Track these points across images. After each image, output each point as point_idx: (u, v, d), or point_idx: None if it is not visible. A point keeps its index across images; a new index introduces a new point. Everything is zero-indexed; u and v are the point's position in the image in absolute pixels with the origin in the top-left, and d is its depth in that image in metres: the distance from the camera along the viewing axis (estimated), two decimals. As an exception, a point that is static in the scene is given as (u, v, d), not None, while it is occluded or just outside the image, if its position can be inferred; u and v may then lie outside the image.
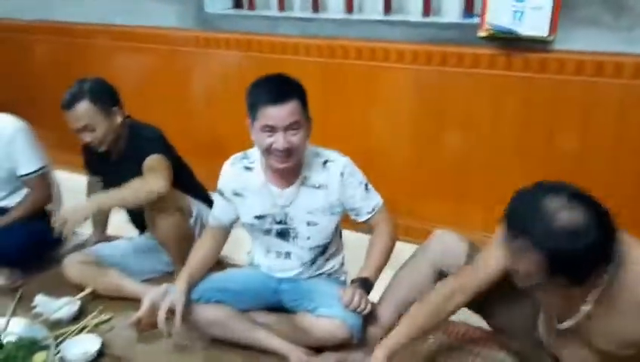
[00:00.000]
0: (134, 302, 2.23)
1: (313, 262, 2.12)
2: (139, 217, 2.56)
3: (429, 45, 2.54)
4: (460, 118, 2.59)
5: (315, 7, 2.87)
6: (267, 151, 1.90)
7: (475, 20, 2.43)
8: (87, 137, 2.35)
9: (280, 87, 1.88)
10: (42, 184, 2.65)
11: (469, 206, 2.68)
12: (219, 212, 2.15)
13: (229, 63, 3.04)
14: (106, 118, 2.34)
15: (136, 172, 2.32)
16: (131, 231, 2.79)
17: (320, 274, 2.16)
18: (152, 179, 2.26)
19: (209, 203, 2.59)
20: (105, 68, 3.45)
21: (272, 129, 1.86)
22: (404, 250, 2.10)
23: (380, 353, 1.71)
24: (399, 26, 2.61)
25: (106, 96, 2.36)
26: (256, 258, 2.21)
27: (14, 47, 3.75)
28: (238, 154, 2.10)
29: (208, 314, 2.07)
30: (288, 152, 1.88)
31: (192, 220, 2.46)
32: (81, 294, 2.39)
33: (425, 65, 2.56)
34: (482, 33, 2.36)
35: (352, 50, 2.69)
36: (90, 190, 2.72)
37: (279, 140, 1.86)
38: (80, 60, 3.55)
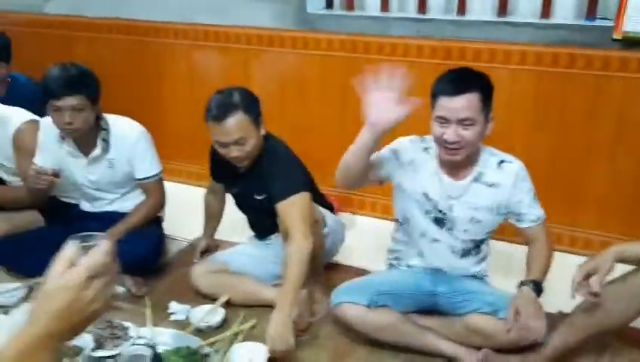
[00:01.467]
0: (271, 308, 2.20)
1: (463, 254, 2.13)
2: (261, 223, 2.52)
3: (551, 47, 2.57)
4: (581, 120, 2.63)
5: (461, 9, 2.83)
6: (438, 141, 1.93)
7: (605, 23, 2.48)
8: (235, 152, 2.20)
9: (459, 80, 1.89)
10: (159, 189, 2.60)
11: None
12: (380, 156, 2.06)
13: (329, 64, 3.00)
14: (256, 130, 2.23)
15: (265, 187, 2.27)
16: (236, 235, 2.76)
17: (472, 275, 2.17)
18: (302, 234, 2.11)
19: (331, 209, 2.58)
20: (186, 69, 3.39)
21: (444, 120, 1.89)
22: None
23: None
24: (519, 27, 2.63)
25: (256, 106, 2.24)
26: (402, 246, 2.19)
27: (83, 45, 3.63)
28: (416, 137, 2.10)
29: (379, 319, 2.04)
30: (458, 145, 1.89)
31: (325, 230, 2.42)
32: (220, 301, 2.34)
33: (549, 67, 2.58)
34: (617, 36, 2.40)
35: (470, 51, 2.69)
36: (211, 196, 2.70)
37: (449, 133, 1.88)
38: (154, 61, 3.47)
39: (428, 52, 2.77)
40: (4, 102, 2.74)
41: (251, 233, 2.65)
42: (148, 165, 2.54)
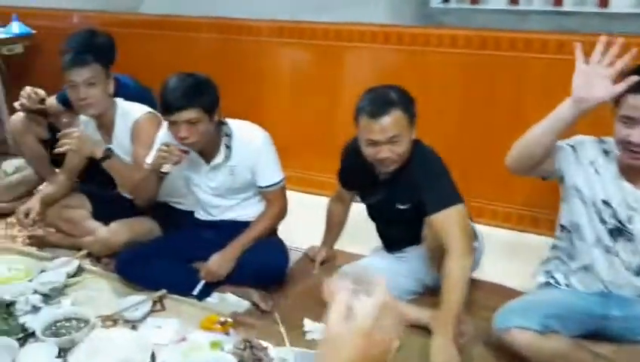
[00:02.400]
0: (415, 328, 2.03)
1: (639, 272, 1.90)
2: (398, 235, 2.34)
3: None
4: None
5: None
6: (621, 143, 1.80)
7: None
8: (386, 152, 2.03)
9: None
10: (282, 197, 2.45)
11: None
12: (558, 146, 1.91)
13: (452, 63, 2.80)
14: (410, 131, 2.06)
15: (412, 196, 2.09)
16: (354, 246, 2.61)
17: (645, 297, 1.94)
18: (463, 251, 1.95)
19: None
20: (289, 69, 3.24)
21: (630, 120, 1.73)
22: None
23: None
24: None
25: (412, 106, 2.08)
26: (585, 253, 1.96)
27: (179, 45, 3.52)
28: (595, 138, 1.93)
29: (554, 345, 1.83)
30: None
31: (475, 243, 2.21)
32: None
33: None
34: None
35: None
36: (337, 204, 2.55)
37: (636, 134, 1.73)
38: (254, 60, 3.32)
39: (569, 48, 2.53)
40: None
41: (375, 244, 2.48)
42: (271, 172, 2.39)
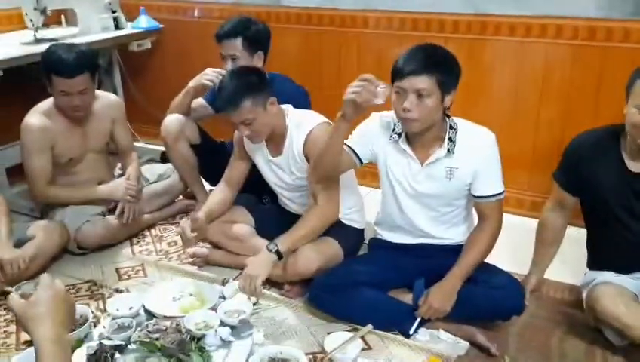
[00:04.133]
0: None
1: None
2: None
3: None
4: None
5: None
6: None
7: None
8: None
9: None
10: (500, 211, 2.09)
11: None
12: None
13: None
14: None
15: None
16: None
17: None
18: None
19: None
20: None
21: None
22: None
23: None
24: None
25: None
26: None
27: (325, 40, 3.21)
28: None
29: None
30: None
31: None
32: None
33: None
34: None
35: None
36: (555, 215, 2.21)
37: None
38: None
39: None
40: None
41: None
42: (496, 180, 2.04)
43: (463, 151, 1.99)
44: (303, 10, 3.24)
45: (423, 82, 1.85)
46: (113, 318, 2.12)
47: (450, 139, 1.99)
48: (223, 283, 2.39)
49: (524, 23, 2.70)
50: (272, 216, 2.60)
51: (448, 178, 2.03)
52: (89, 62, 2.52)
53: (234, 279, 2.37)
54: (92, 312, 2.15)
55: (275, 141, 2.36)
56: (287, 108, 2.36)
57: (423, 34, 2.91)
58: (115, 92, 3.49)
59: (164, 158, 3.68)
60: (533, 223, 2.31)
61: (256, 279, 2.06)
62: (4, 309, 2.23)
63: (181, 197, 3.10)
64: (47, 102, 2.63)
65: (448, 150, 1.99)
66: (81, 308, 2.14)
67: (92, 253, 2.65)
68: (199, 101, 2.85)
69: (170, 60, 3.72)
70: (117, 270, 2.55)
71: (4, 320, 2.21)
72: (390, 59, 1.96)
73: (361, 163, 2.13)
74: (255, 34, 2.60)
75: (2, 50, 2.91)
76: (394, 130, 2.05)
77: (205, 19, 3.54)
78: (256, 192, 2.73)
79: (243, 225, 2.55)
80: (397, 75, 1.89)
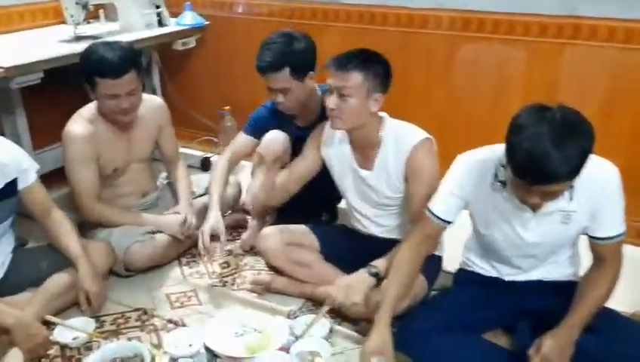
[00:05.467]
0: None
1: None
2: None
3: None
4: None
5: None
6: None
7: None
8: None
9: None
10: (620, 253, 1.81)
11: None
12: None
13: None
14: None
15: None
16: None
17: None
18: None
19: None
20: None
21: None
22: None
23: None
24: None
25: None
26: None
27: (391, 40, 2.92)
28: None
29: None
30: None
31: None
32: None
33: None
34: None
35: None
36: None
37: None
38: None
39: None
40: (320, 117, 2.28)
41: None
42: (618, 220, 1.75)
43: (584, 191, 1.70)
44: (365, 9, 2.96)
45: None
46: (172, 359, 1.86)
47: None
48: (289, 316, 2.13)
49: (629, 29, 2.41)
50: (338, 237, 2.34)
51: (565, 224, 1.76)
52: (135, 60, 2.27)
53: (300, 311, 2.11)
54: (148, 350, 1.89)
55: (365, 150, 2.10)
56: (384, 116, 2.09)
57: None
58: (154, 94, 3.23)
59: (204, 165, 3.45)
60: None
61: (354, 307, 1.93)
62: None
63: (230, 211, 2.82)
64: (90, 107, 2.38)
65: (570, 197, 1.71)
66: (134, 346, 1.90)
67: (139, 273, 2.40)
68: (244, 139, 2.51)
69: (213, 60, 3.45)
70: (168, 296, 2.29)
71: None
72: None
73: None
74: (301, 56, 2.24)
75: (41, 49, 2.65)
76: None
77: (253, 16, 3.27)
78: (313, 208, 2.47)
79: (311, 250, 2.29)
80: None
